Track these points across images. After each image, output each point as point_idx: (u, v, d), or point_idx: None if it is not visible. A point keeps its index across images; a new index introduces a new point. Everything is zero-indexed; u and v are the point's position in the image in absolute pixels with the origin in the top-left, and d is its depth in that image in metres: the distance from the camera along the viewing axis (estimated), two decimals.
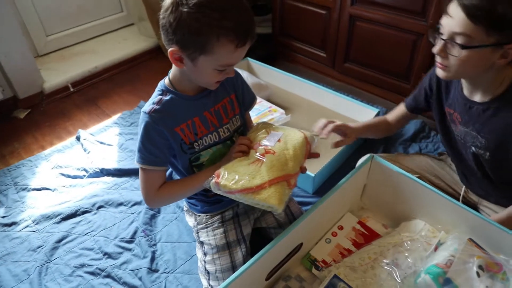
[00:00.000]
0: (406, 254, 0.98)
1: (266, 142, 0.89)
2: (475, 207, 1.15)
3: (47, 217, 1.33)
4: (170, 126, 0.87)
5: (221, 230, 1.05)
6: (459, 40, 0.81)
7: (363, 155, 1.33)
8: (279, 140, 0.90)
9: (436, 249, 0.96)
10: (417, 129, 1.67)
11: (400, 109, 1.22)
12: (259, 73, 2.08)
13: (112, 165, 1.56)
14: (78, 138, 1.73)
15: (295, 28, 2.10)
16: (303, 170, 0.91)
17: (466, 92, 0.96)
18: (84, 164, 1.58)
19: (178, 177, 1.02)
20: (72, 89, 2.13)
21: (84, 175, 1.52)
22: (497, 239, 0.92)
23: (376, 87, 1.91)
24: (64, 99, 2.08)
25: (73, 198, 1.42)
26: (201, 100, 0.91)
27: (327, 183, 1.44)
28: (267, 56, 2.22)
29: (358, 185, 1.17)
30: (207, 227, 1.07)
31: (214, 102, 0.94)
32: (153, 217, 1.33)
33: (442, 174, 1.23)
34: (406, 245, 1.01)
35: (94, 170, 1.53)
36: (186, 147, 0.91)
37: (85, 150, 1.65)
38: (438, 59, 0.88)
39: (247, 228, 1.09)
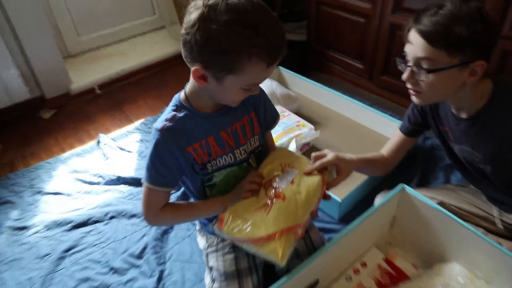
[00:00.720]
0: None
1: (279, 182, 0.88)
2: None
3: (58, 224, 1.35)
4: (182, 145, 0.84)
5: (231, 255, 1.01)
6: (424, 64, 0.85)
7: (397, 180, 1.25)
8: (292, 182, 0.87)
9: None
10: None
11: (395, 137, 1.18)
12: (289, 83, 2.04)
13: (129, 173, 1.57)
14: (98, 143, 1.76)
15: (331, 36, 2.05)
16: (314, 214, 0.88)
17: (453, 109, 0.98)
18: (102, 170, 1.60)
19: (189, 195, 1.00)
20: (98, 91, 2.19)
21: (100, 182, 1.54)
22: None
23: None
24: (90, 102, 2.14)
25: (87, 205, 1.44)
26: (218, 118, 0.88)
27: (355, 209, 1.37)
28: (300, 65, 2.18)
29: (386, 217, 1.10)
30: (217, 251, 1.03)
31: (232, 121, 0.90)
32: (165, 232, 1.32)
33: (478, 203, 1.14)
34: None
35: (110, 177, 1.55)
36: (198, 167, 0.88)
37: (104, 155, 1.68)
38: (409, 85, 0.92)
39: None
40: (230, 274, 0.98)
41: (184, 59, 0.77)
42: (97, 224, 1.36)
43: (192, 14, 0.72)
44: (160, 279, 1.17)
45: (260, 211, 0.83)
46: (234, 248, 1.02)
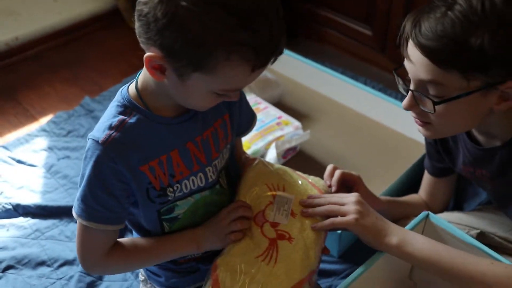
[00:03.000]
0: None
1: (275, 215, 0.94)
2: None
3: None
4: (135, 163, 0.87)
5: None
6: (430, 90, 0.89)
7: None
8: (292, 214, 0.94)
9: None
10: None
11: (426, 180, 1.30)
12: None
13: (32, 199, 1.59)
14: None
15: None
16: (325, 251, 0.97)
17: (481, 140, 1.05)
18: None
19: (134, 231, 1.03)
20: None
21: None
22: None
23: None
24: None
25: None
26: (184, 124, 0.91)
27: (359, 242, 1.44)
28: None
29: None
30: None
31: (203, 128, 0.94)
32: (91, 286, 1.36)
33: None
34: None
35: (3, 206, 1.56)
36: (155, 194, 0.91)
37: None
38: (413, 114, 0.99)
39: None
40: None
41: (138, 37, 0.79)
42: None
43: None
44: None
45: (264, 261, 0.89)
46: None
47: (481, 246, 1.04)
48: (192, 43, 0.73)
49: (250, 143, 1.59)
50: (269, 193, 0.97)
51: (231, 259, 0.90)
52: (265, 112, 1.71)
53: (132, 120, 0.85)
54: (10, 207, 1.56)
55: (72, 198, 1.57)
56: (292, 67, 2.01)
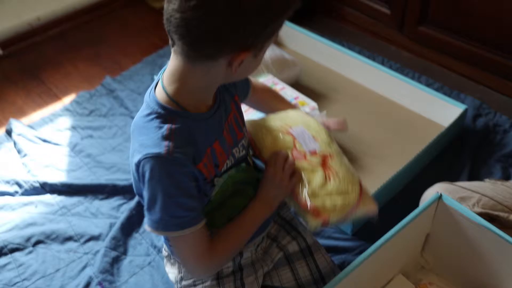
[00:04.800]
0: None
1: (306, 145, 1.07)
2: None
3: None
4: (195, 162, 0.91)
5: None
6: None
7: (433, 179, 1.38)
8: (315, 138, 1.09)
9: None
10: None
11: None
12: (285, 39, 2.12)
13: (58, 177, 1.65)
14: (8, 132, 1.83)
15: None
16: None
17: None
18: (17, 174, 1.68)
19: None
20: (1, 52, 2.22)
21: (17, 192, 1.62)
22: None
23: (468, 64, 1.94)
24: None
25: None
26: (216, 115, 0.95)
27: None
28: (302, 9, 2.24)
29: (418, 235, 1.22)
30: (195, 285, 1.13)
31: (226, 114, 0.99)
32: (116, 261, 1.43)
33: None
34: None
35: (31, 184, 1.62)
36: (208, 187, 0.97)
37: (19, 151, 1.75)
38: None
39: None
40: None
41: (199, 45, 0.79)
42: (15, 254, 1.45)
43: None
44: None
45: (331, 180, 1.02)
46: (219, 281, 1.13)
47: (494, 228, 1.08)
48: (268, 23, 0.79)
49: None
50: (285, 134, 1.08)
51: (311, 192, 1.00)
52: (282, 93, 1.73)
53: (177, 125, 0.87)
54: (37, 185, 1.62)
55: (95, 176, 1.67)
56: (309, 46, 2.03)
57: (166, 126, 0.86)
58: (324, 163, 1.04)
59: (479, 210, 1.23)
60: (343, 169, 1.04)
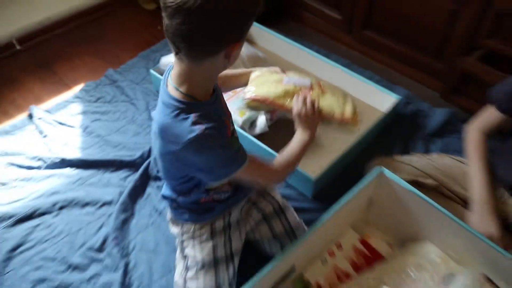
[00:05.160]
0: (411, 285, 1.14)
1: (303, 85, 1.23)
2: (508, 216, 1.30)
3: None
4: (225, 132, 1.00)
5: (209, 243, 1.20)
6: None
7: (375, 153, 1.48)
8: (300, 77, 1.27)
9: (444, 282, 1.12)
10: (444, 121, 1.80)
11: (492, 117, 1.29)
12: (256, 38, 2.16)
13: (75, 154, 1.69)
14: (30, 117, 1.84)
15: None
16: None
17: None
18: (40, 151, 1.70)
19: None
20: (18, 47, 2.20)
21: (41, 166, 1.65)
22: None
23: (401, 63, 2.02)
24: (9, 60, 2.16)
25: (29, 195, 1.55)
26: (218, 98, 1.02)
27: (329, 185, 1.59)
28: (271, 13, 2.29)
29: (363, 199, 1.32)
30: (193, 238, 1.21)
31: (220, 96, 1.06)
32: (125, 221, 1.49)
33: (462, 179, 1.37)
34: (411, 273, 1.17)
35: (52, 160, 1.65)
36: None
37: (40, 133, 1.77)
38: None
39: (238, 243, 1.25)
40: (208, 263, 1.18)
41: (202, 46, 0.84)
42: (45, 217, 1.49)
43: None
44: (125, 272, 1.35)
45: (333, 94, 1.25)
46: (212, 235, 1.21)
47: (420, 194, 1.17)
48: (252, 13, 0.84)
49: (244, 112, 1.68)
50: (286, 86, 1.22)
51: (337, 109, 1.22)
52: None
53: (197, 113, 0.91)
54: (58, 160, 1.65)
55: (105, 153, 1.70)
56: (277, 45, 2.08)
57: (191, 116, 0.90)
58: (321, 88, 1.22)
59: (409, 178, 1.32)
60: (332, 86, 1.26)
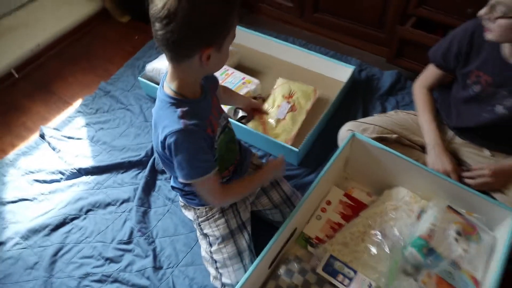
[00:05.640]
0: (392, 223, 1.16)
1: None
2: (456, 152, 1.34)
3: (35, 231, 1.41)
4: (204, 130, 0.94)
5: (222, 220, 1.18)
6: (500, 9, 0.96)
7: (343, 119, 1.46)
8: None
9: (418, 217, 1.14)
10: (393, 81, 1.80)
11: (433, 73, 1.32)
12: None
13: (88, 162, 1.62)
14: (42, 136, 1.74)
15: None
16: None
17: (508, 56, 1.08)
18: (58, 165, 1.62)
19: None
20: (16, 75, 2.06)
21: (61, 178, 1.58)
22: (470, 201, 1.11)
23: (351, 37, 1.98)
24: (11, 89, 2.01)
25: (56, 205, 1.49)
26: (206, 97, 0.98)
27: (310, 152, 1.58)
28: None
29: (341, 162, 1.32)
30: (208, 219, 1.19)
31: (210, 96, 1.02)
32: (145, 213, 1.45)
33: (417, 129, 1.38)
34: (391, 214, 1.18)
35: (70, 171, 1.58)
36: (213, 146, 1.01)
37: (54, 149, 1.69)
38: (484, 22, 1.02)
39: (245, 214, 1.24)
40: (226, 236, 1.17)
41: (177, 50, 0.82)
42: (75, 222, 1.44)
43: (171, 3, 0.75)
44: (155, 256, 1.32)
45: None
46: (222, 213, 1.19)
47: (388, 149, 1.19)
48: (220, 19, 0.80)
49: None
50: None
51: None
52: (233, 76, 1.74)
53: (185, 108, 0.89)
54: (75, 170, 1.58)
55: (114, 157, 1.64)
56: (242, 36, 2.00)
57: (179, 110, 0.89)
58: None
59: (374, 135, 1.33)
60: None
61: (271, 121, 1.59)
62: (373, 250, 1.13)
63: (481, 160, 1.28)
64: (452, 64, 1.23)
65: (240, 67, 1.88)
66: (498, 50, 1.10)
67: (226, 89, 1.29)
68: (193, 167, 0.92)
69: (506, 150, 1.26)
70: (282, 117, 1.58)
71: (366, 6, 1.80)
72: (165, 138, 0.88)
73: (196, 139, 0.91)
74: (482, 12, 1.02)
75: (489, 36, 1.05)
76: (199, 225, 1.21)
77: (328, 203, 1.31)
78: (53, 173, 1.60)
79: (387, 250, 1.11)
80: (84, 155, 1.66)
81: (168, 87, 0.91)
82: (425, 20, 1.65)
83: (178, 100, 0.90)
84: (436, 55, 1.28)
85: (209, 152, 0.95)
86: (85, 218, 1.45)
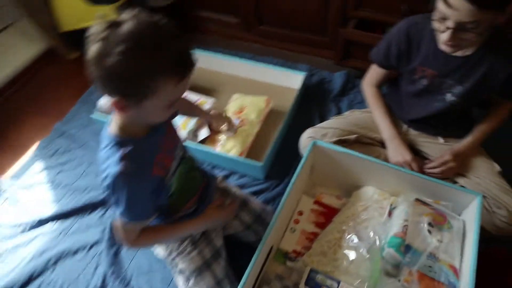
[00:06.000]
0: (365, 225, 1.09)
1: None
2: (413, 143, 1.31)
3: None
4: (148, 174, 0.84)
5: (195, 252, 1.08)
6: (470, 26, 0.90)
7: (301, 126, 1.40)
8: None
9: (390, 214, 1.08)
10: (343, 82, 1.75)
11: (378, 72, 1.29)
12: None
13: (50, 209, 1.46)
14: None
15: None
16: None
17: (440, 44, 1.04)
18: (17, 218, 1.45)
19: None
20: None
21: (24, 230, 1.41)
22: (435, 190, 1.07)
23: (297, 44, 1.92)
24: None
25: (21, 261, 1.32)
26: (156, 134, 0.87)
27: (275, 164, 1.50)
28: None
29: (307, 170, 1.24)
30: (181, 253, 1.08)
31: (165, 128, 0.91)
32: (116, 254, 1.31)
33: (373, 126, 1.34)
34: (362, 216, 1.12)
35: (33, 221, 1.42)
36: (163, 185, 0.90)
37: (13, 200, 1.51)
38: (448, 42, 0.97)
39: (218, 240, 1.14)
40: (202, 268, 1.07)
41: (101, 88, 0.73)
42: (43, 276, 1.28)
43: (92, 47, 0.68)
44: None
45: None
46: (194, 244, 1.08)
47: (350, 151, 1.13)
48: (130, 83, 0.69)
49: (185, 125, 1.54)
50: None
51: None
52: (188, 98, 1.63)
53: (128, 148, 0.80)
54: (37, 220, 1.42)
55: (76, 200, 1.49)
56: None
57: (120, 151, 0.79)
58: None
59: (334, 139, 1.28)
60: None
61: (223, 138, 1.50)
62: (352, 255, 1.05)
63: (436, 148, 1.27)
64: (395, 64, 1.21)
65: (195, 87, 1.78)
66: (435, 43, 1.07)
67: (184, 101, 1.19)
68: (128, 211, 0.83)
69: (457, 134, 1.24)
70: (232, 134, 1.49)
71: (307, 13, 1.75)
72: (105, 179, 0.80)
73: (136, 184, 0.81)
74: (447, 38, 0.97)
75: (453, 49, 1.02)
76: (172, 260, 1.09)
77: (300, 213, 1.22)
78: (14, 226, 1.42)
79: (365, 253, 1.04)
80: (46, 201, 1.50)
81: (112, 126, 0.82)
82: (366, 21, 1.61)
83: (120, 140, 0.80)
84: (377, 57, 1.26)
85: (148, 200, 0.86)
86: (53, 270, 1.29)
